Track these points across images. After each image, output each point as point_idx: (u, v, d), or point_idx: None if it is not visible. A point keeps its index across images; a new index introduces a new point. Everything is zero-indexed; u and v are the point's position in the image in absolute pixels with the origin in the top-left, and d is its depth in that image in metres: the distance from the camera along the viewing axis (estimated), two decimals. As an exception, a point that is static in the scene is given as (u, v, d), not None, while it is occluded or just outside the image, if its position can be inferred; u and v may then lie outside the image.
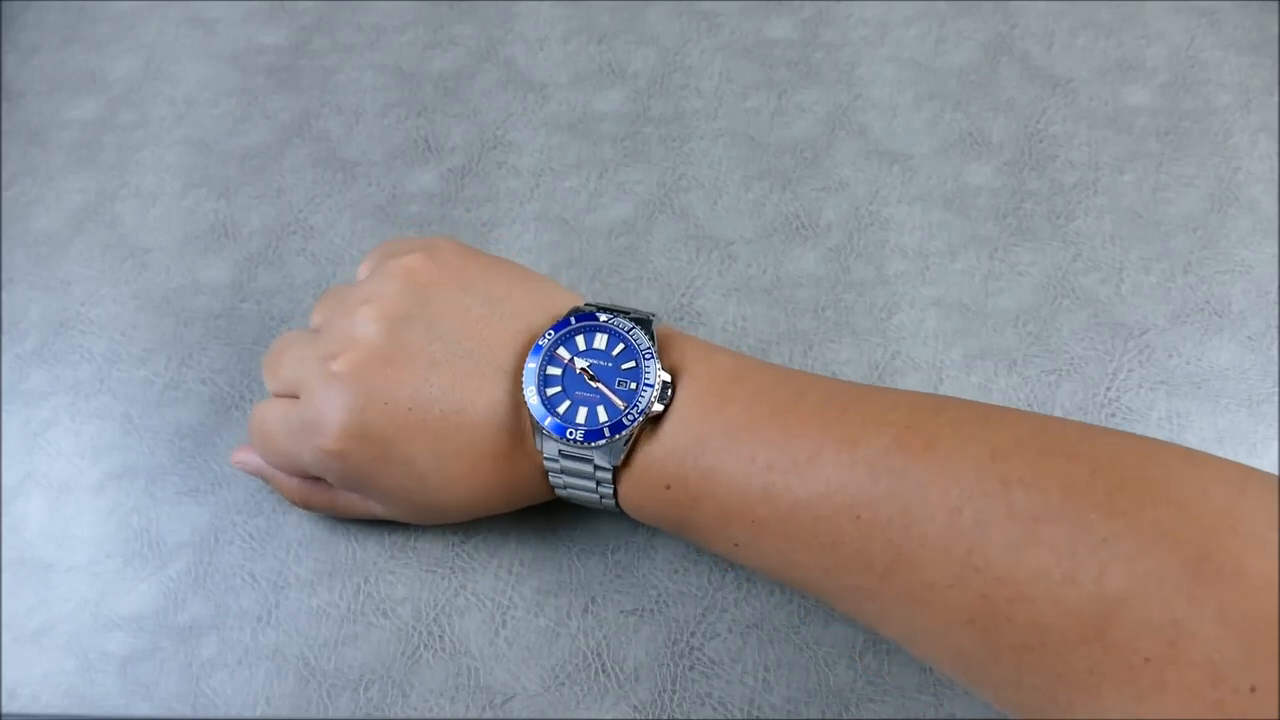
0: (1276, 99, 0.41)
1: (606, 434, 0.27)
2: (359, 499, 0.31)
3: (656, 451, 0.27)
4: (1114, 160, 0.40)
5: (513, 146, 0.42)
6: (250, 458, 0.33)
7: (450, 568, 0.33)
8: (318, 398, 0.28)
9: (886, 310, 0.37)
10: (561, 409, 0.27)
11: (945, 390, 0.35)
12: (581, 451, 0.27)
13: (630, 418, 0.27)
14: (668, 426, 0.27)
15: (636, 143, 0.42)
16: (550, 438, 0.27)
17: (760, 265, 0.38)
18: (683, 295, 0.38)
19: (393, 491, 0.29)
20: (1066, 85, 0.42)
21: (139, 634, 0.32)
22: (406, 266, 0.30)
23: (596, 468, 0.27)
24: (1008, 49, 0.44)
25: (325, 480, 0.31)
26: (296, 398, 0.29)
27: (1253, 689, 0.18)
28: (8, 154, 0.43)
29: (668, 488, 0.27)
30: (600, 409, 0.27)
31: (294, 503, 0.32)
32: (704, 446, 0.26)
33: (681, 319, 0.37)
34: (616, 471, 0.27)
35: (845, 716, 0.30)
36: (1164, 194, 0.39)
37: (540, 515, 0.33)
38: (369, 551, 0.33)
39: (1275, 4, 0.44)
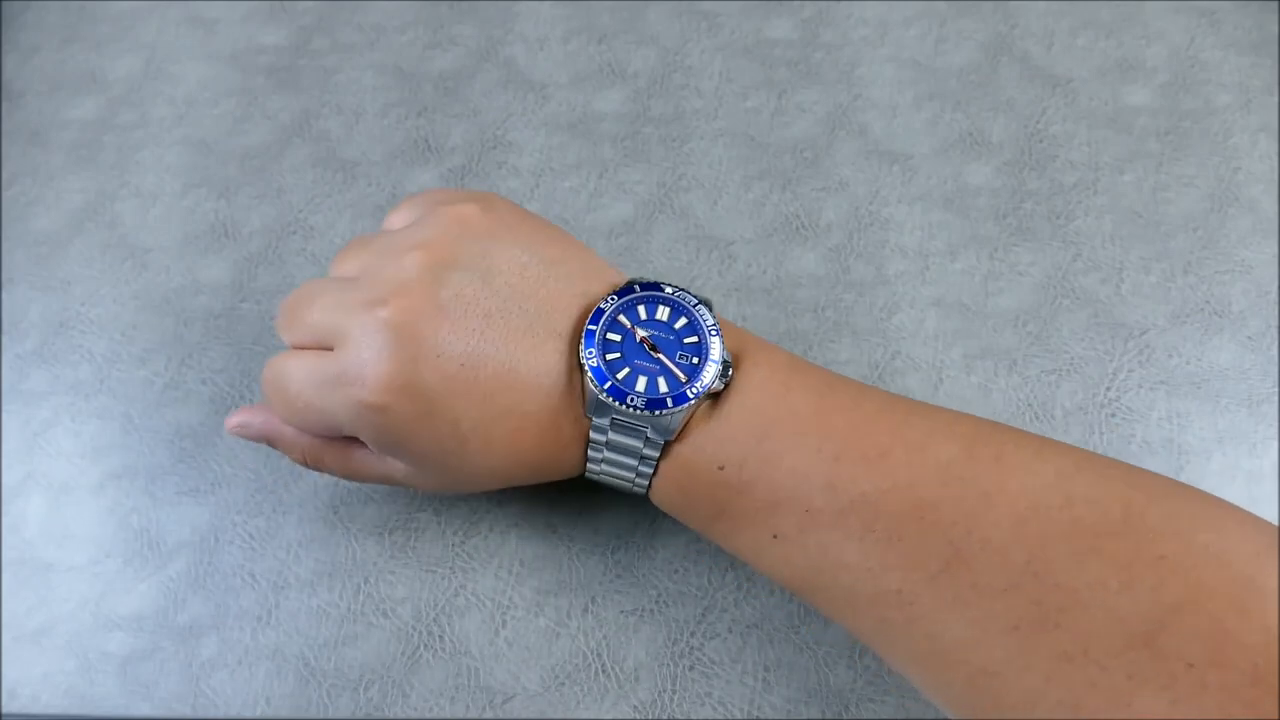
0: (1276, 99, 0.41)
1: (669, 404, 0.26)
2: (377, 459, 0.29)
3: (717, 431, 0.26)
4: (1114, 160, 0.40)
5: (513, 146, 0.42)
6: (252, 419, 0.30)
7: (450, 568, 0.33)
8: (360, 346, 0.26)
9: (886, 310, 0.37)
10: (621, 375, 0.27)
11: (945, 390, 0.35)
12: (636, 422, 0.26)
13: (695, 391, 0.26)
14: (730, 406, 0.26)
15: (636, 143, 0.42)
16: (608, 404, 0.26)
17: (760, 265, 0.38)
18: (683, 295, 0.38)
19: (430, 453, 0.27)
20: (1066, 85, 0.42)
21: (139, 634, 0.32)
22: (462, 215, 0.28)
23: (647, 441, 0.27)
24: (1008, 49, 0.44)
25: (344, 441, 0.29)
26: (327, 350, 0.27)
27: None
28: (8, 154, 0.43)
29: (721, 468, 0.26)
30: (661, 380, 0.27)
31: (301, 464, 0.30)
32: (769, 430, 0.26)
33: (681, 319, 0.37)
34: (667, 447, 0.27)
35: (845, 716, 0.30)
36: (1164, 194, 0.39)
37: (540, 515, 0.33)
38: (369, 551, 0.33)
39: (1275, 4, 0.44)
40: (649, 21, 0.45)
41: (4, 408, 0.37)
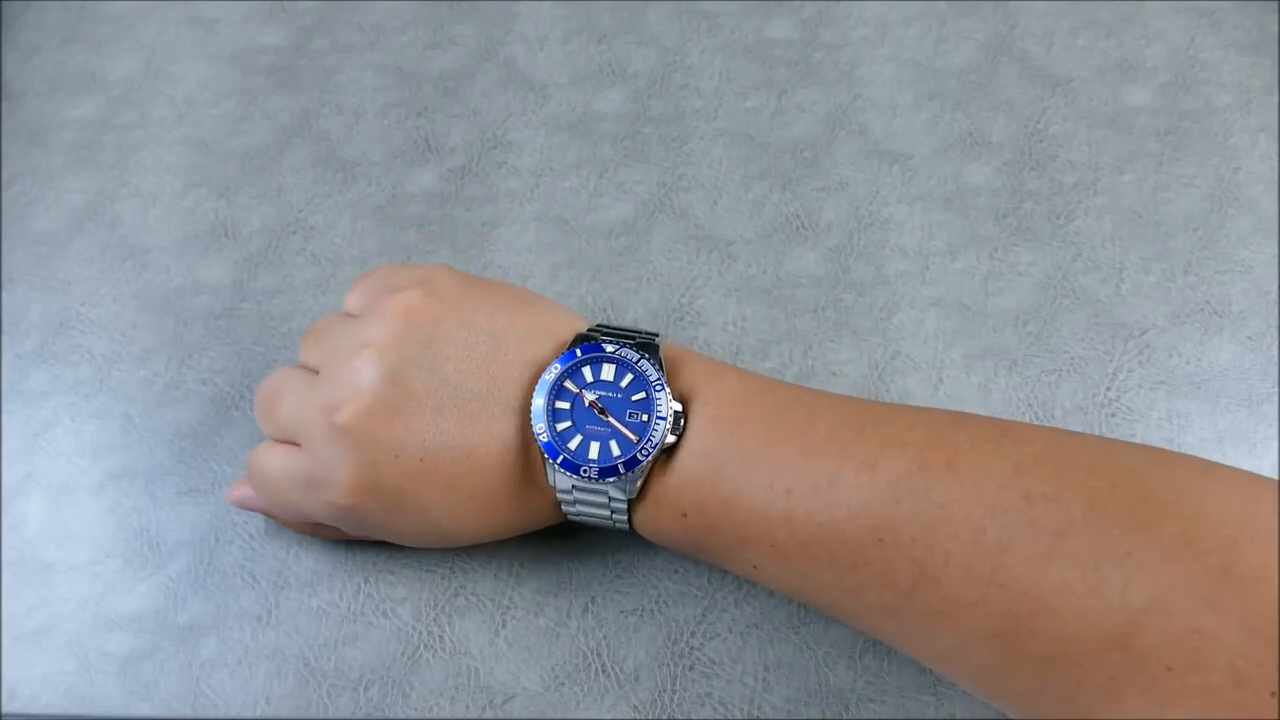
0: (1276, 99, 0.41)
1: (621, 470, 0.26)
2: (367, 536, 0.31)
3: (672, 481, 0.27)
4: (1114, 160, 0.40)
5: (513, 146, 0.42)
6: (250, 495, 0.32)
7: (450, 568, 0.33)
8: (324, 451, 0.27)
9: (886, 310, 0.37)
10: (573, 444, 0.27)
11: (945, 390, 0.35)
12: (595, 487, 0.27)
13: (644, 453, 0.26)
14: (682, 455, 0.27)
15: (636, 143, 0.42)
16: (564, 475, 0.27)
17: (760, 265, 0.38)
18: (683, 295, 0.38)
19: (408, 536, 0.29)
20: (1066, 85, 0.42)
21: (139, 634, 0.32)
22: (405, 305, 0.28)
23: (611, 499, 0.27)
24: (1008, 49, 0.44)
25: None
26: (296, 444, 0.29)
27: (1273, 694, 0.18)
28: (8, 154, 0.43)
29: (684, 515, 0.27)
30: (613, 443, 0.27)
31: (300, 532, 0.33)
32: (721, 474, 0.26)
33: (681, 319, 0.37)
34: (631, 503, 0.27)
35: (845, 716, 0.30)
36: (1164, 194, 0.39)
37: (540, 515, 0.33)
38: (369, 551, 0.33)
39: (1275, 4, 0.44)
40: (649, 21, 0.45)
41: (4, 408, 0.37)
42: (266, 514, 0.32)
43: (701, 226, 0.39)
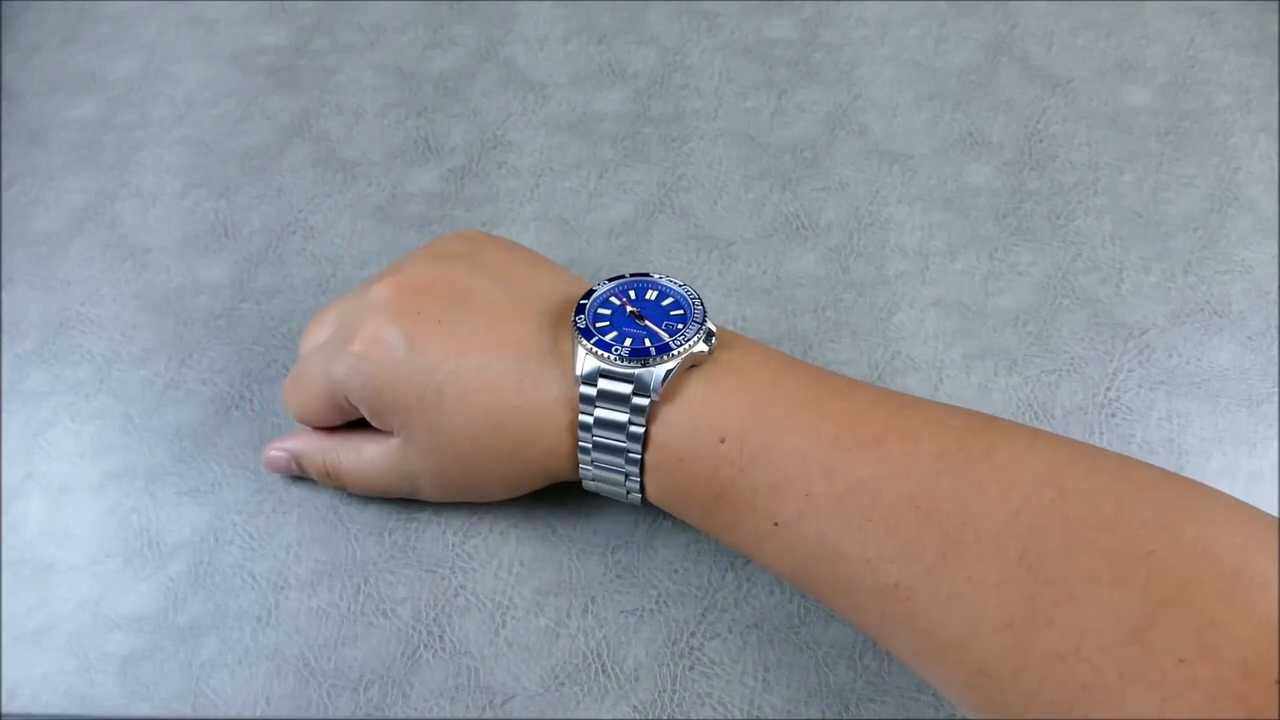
0: (1276, 99, 0.41)
1: (652, 352, 0.27)
2: (384, 450, 0.31)
3: (714, 400, 0.27)
4: (1114, 160, 0.40)
5: (513, 146, 0.42)
6: (282, 445, 0.33)
7: (450, 568, 0.33)
8: (356, 315, 0.30)
9: (886, 310, 0.37)
10: (608, 337, 0.28)
11: (945, 390, 0.35)
12: (621, 375, 0.27)
13: (677, 342, 0.27)
14: (728, 382, 0.27)
15: (636, 143, 0.42)
16: (593, 353, 0.27)
17: (760, 265, 0.38)
18: (683, 295, 0.38)
19: (411, 407, 0.29)
20: (1066, 85, 0.42)
21: (139, 634, 0.32)
22: (461, 232, 0.33)
23: (634, 408, 0.27)
24: (1008, 49, 0.44)
25: (356, 439, 0.32)
26: None
27: (1275, 682, 0.19)
28: (8, 154, 0.43)
29: (722, 441, 0.26)
30: (646, 339, 0.28)
31: (323, 477, 0.33)
32: (766, 409, 0.26)
33: (681, 319, 0.37)
34: (656, 410, 0.27)
35: (845, 716, 0.30)
36: (1164, 194, 0.39)
37: (541, 514, 0.33)
38: (369, 551, 0.33)
39: (1275, 4, 0.44)
40: (649, 21, 0.45)
41: (4, 408, 0.37)
42: (296, 456, 0.33)
43: (701, 226, 0.39)
